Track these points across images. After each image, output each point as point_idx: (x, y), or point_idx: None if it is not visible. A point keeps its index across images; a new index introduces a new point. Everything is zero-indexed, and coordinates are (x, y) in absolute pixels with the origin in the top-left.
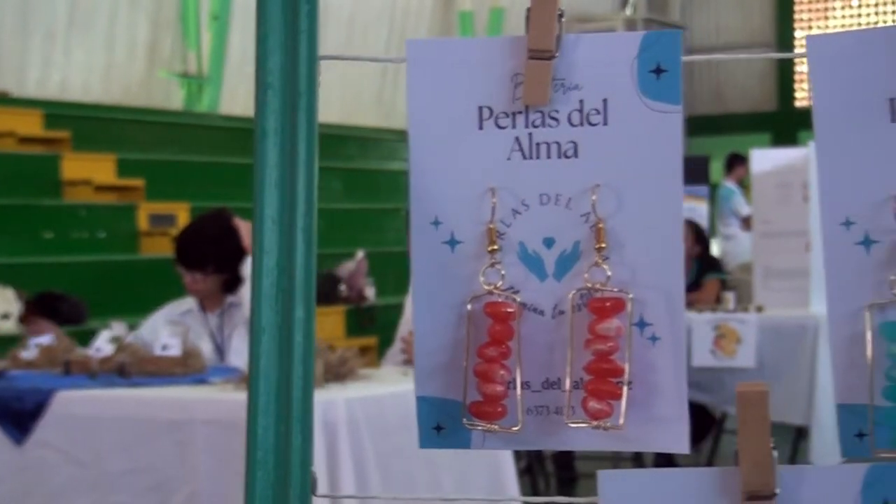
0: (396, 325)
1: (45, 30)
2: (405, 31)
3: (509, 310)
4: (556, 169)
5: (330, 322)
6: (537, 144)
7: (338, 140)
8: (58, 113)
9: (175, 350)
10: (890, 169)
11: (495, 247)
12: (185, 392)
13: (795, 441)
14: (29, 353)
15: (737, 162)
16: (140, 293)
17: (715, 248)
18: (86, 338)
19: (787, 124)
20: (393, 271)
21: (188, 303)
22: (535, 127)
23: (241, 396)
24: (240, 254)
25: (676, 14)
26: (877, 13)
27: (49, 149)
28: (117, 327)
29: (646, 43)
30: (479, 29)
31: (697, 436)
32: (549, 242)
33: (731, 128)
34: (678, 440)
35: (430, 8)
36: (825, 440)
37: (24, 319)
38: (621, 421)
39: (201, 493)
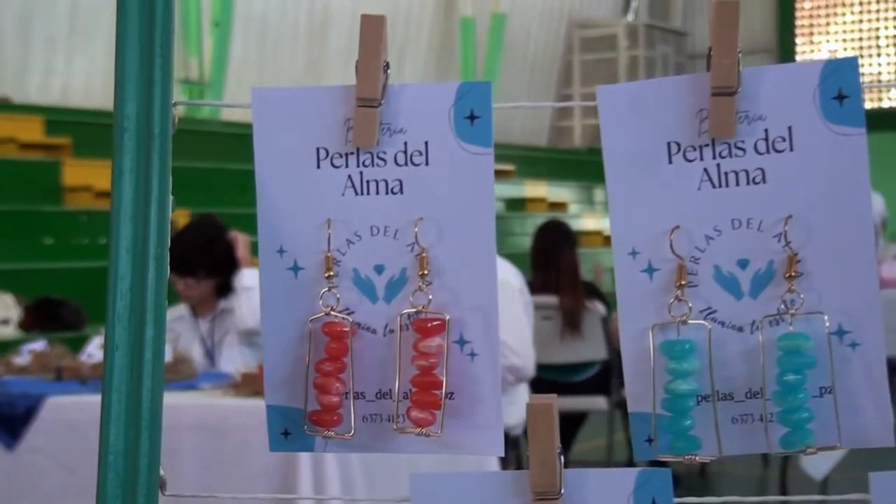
0: None
1: (46, 36)
2: (407, 37)
3: (344, 329)
4: (385, 204)
5: None
6: (367, 182)
7: None
8: (59, 119)
9: (166, 356)
10: (667, 205)
11: (332, 273)
12: (173, 398)
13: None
14: (21, 358)
15: None
16: None
17: None
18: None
19: None
20: None
21: (180, 310)
22: (366, 166)
23: (227, 402)
24: (230, 258)
25: (678, 20)
26: (877, 19)
27: (50, 155)
28: None
29: (460, 93)
30: (480, 34)
31: None
32: (379, 269)
33: None
34: (494, 445)
35: (432, 14)
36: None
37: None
38: (441, 429)
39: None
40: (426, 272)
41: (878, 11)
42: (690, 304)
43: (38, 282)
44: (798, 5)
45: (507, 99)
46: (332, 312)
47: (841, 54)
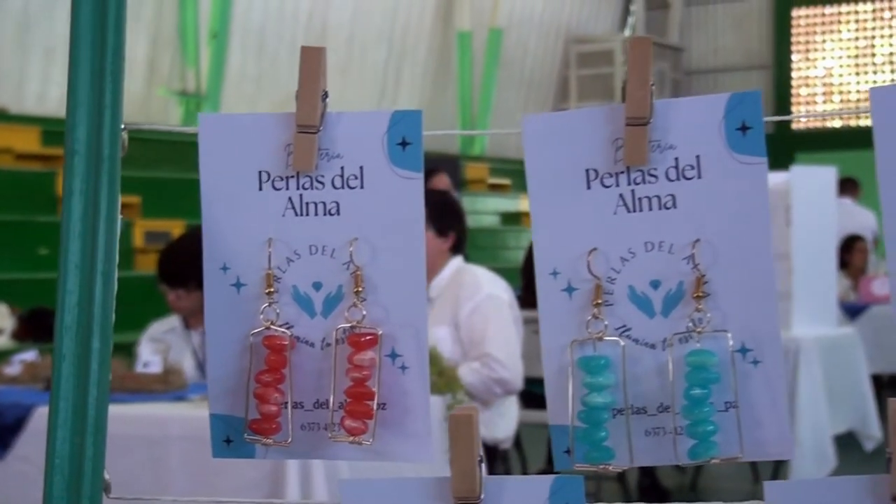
0: None
1: (43, 46)
2: (404, 50)
3: (283, 342)
4: (323, 224)
5: None
6: (306, 203)
7: None
8: (56, 129)
9: (156, 367)
10: (586, 229)
11: (272, 289)
12: (162, 409)
13: (777, 462)
14: (12, 368)
15: None
16: (135, 310)
17: None
18: None
19: (785, 146)
20: None
21: (172, 321)
22: (305, 189)
23: None
24: None
25: (675, 36)
26: (873, 36)
27: (46, 165)
28: None
29: (393, 120)
30: (477, 49)
31: None
32: (317, 286)
33: None
34: (424, 452)
35: (429, 28)
36: (805, 460)
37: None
38: (372, 438)
39: None
40: (361, 289)
41: (873, 29)
42: (606, 322)
43: (33, 292)
44: (794, 22)
45: (504, 113)
46: (273, 326)
47: (836, 71)
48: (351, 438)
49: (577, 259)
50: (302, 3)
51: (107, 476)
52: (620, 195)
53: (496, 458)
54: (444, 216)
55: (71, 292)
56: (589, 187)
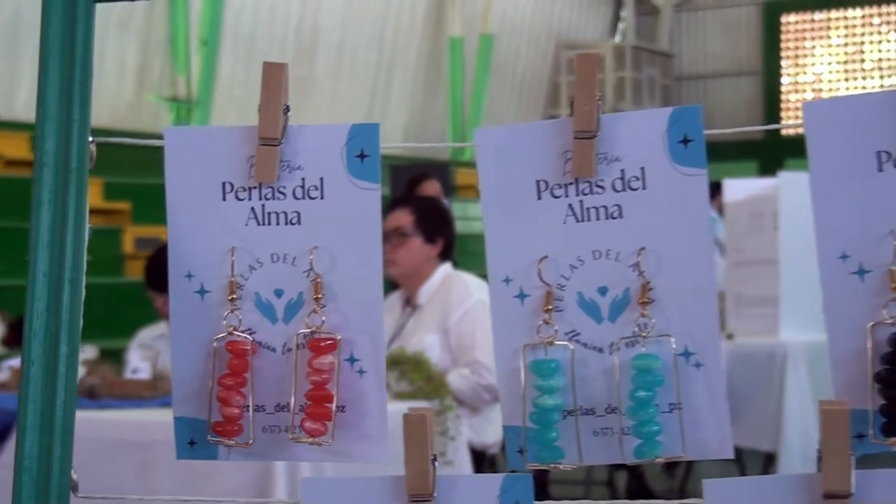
0: None
1: (34, 52)
2: (395, 55)
3: (246, 347)
4: (284, 234)
5: None
6: (268, 213)
7: None
8: None
9: (144, 373)
10: (536, 238)
11: (235, 296)
12: (151, 414)
13: (765, 466)
14: (2, 374)
15: (717, 190)
16: (125, 316)
17: None
18: None
19: (775, 152)
20: None
21: (161, 327)
22: (267, 199)
23: None
24: None
25: (665, 42)
26: (862, 42)
27: None
28: (89, 350)
29: (352, 134)
30: (468, 55)
31: (671, 461)
32: (279, 293)
33: (719, 155)
34: (380, 453)
35: (420, 33)
36: (793, 466)
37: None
38: (331, 439)
39: None
40: (320, 296)
41: (862, 35)
42: (557, 327)
43: (22, 298)
44: (784, 28)
45: (495, 119)
46: (235, 332)
47: (826, 77)
48: (311, 440)
49: (529, 267)
50: (292, 9)
51: (74, 476)
52: (570, 205)
53: (484, 464)
54: (432, 222)
55: (39, 299)
56: (540, 198)
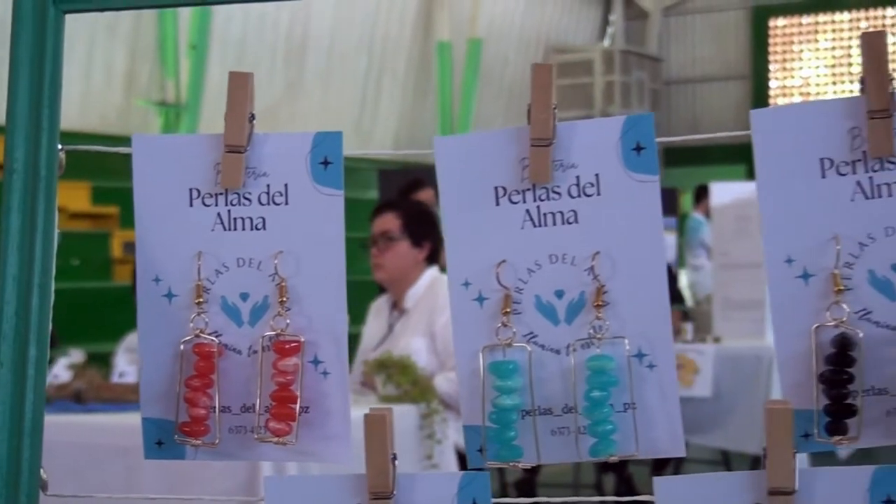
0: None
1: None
2: (384, 60)
3: (212, 350)
4: (250, 239)
5: None
6: (235, 219)
7: None
8: None
9: (131, 377)
10: (495, 242)
11: (202, 300)
12: (137, 418)
13: (752, 469)
14: None
15: (704, 194)
16: (113, 320)
17: (683, 279)
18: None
19: None
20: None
21: None
22: (233, 205)
23: None
24: None
25: (654, 46)
26: (850, 46)
27: None
28: (75, 354)
29: (316, 141)
30: (456, 58)
31: (660, 463)
32: (244, 296)
33: (707, 159)
34: (343, 453)
35: (409, 38)
36: None
37: None
38: (295, 439)
39: None
40: (285, 299)
41: (850, 38)
42: (515, 329)
43: None
44: (772, 32)
45: (484, 123)
46: (202, 335)
47: (814, 80)
48: (276, 440)
49: (488, 270)
50: (282, 14)
51: (44, 475)
52: (527, 211)
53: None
54: (419, 226)
55: (9, 303)
56: (498, 203)
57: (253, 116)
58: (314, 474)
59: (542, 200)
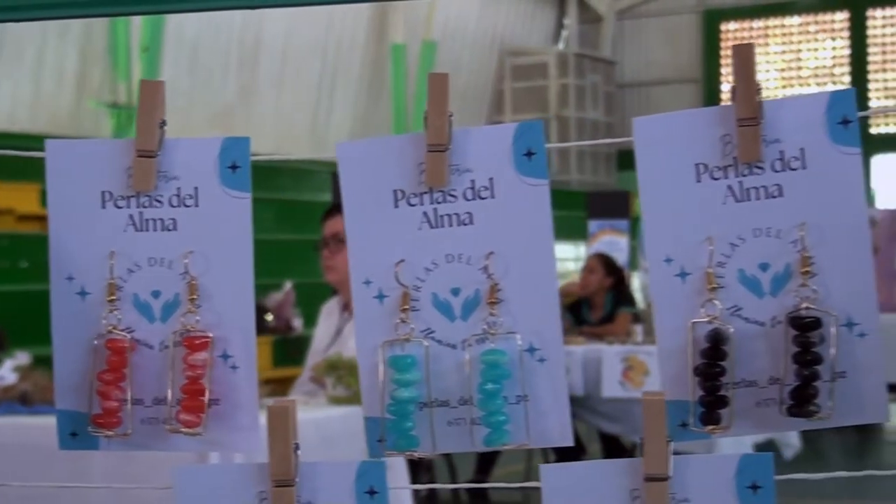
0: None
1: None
2: (338, 63)
3: (124, 345)
4: (161, 239)
5: (257, 352)
6: (146, 220)
7: (271, 171)
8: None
9: None
10: (394, 242)
11: (114, 297)
12: None
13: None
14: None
15: None
16: None
17: (635, 282)
18: None
19: None
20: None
21: None
22: (145, 207)
23: None
24: None
25: (608, 49)
26: (799, 51)
27: None
28: (21, 357)
29: (224, 146)
30: (411, 61)
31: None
32: (156, 294)
33: None
34: (252, 443)
35: (363, 41)
36: None
37: None
38: (202, 430)
39: None
40: (195, 297)
41: (799, 43)
42: (413, 325)
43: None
44: (723, 36)
45: None
46: (115, 331)
47: (765, 84)
48: (186, 430)
49: (387, 269)
50: (235, 17)
51: None
52: (424, 213)
53: (421, 468)
54: None
55: None
56: (397, 206)
57: (164, 122)
58: (217, 463)
59: (438, 203)
